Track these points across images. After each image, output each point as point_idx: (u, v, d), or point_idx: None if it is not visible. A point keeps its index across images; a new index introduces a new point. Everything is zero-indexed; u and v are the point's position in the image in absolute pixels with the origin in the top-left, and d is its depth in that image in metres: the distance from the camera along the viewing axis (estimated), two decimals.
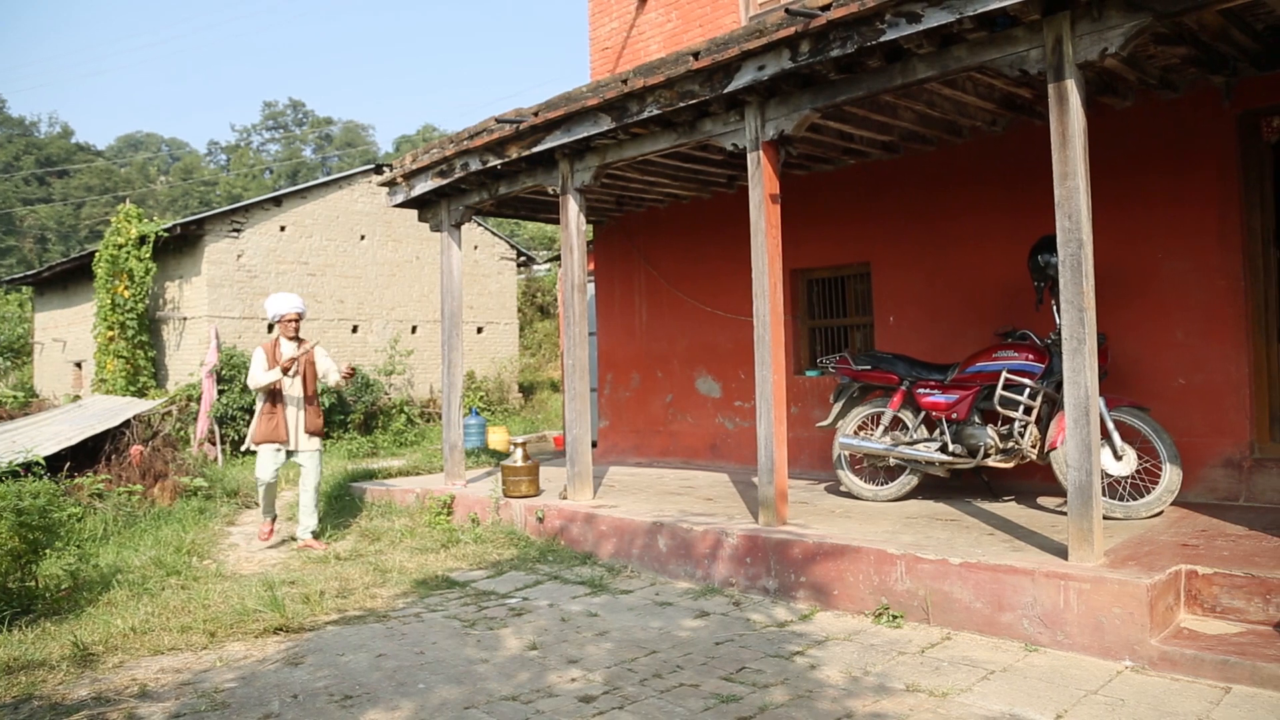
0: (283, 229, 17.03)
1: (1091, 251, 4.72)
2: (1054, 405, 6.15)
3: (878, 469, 7.06)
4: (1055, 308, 5.95)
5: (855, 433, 7.11)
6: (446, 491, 8.35)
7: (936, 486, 7.11)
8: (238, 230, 16.35)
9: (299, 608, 5.50)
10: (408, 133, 70.26)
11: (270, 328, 16.36)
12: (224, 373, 14.62)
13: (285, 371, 7.43)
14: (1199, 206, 6.51)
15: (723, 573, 5.90)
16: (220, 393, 14.43)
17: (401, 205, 9.09)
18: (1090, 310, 4.71)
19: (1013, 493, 6.95)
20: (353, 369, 7.80)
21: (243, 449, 7.61)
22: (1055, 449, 5.94)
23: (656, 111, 6.36)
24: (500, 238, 21.22)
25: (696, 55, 5.97)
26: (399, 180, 8.86)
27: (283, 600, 5.49)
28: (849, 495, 7.14)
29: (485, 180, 8.26)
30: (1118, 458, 5.84)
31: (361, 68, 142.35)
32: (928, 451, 6.62)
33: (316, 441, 7.69)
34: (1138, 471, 5.92)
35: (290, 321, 7.66)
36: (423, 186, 8.61)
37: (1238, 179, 6.38)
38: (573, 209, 7.45)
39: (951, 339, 7.65)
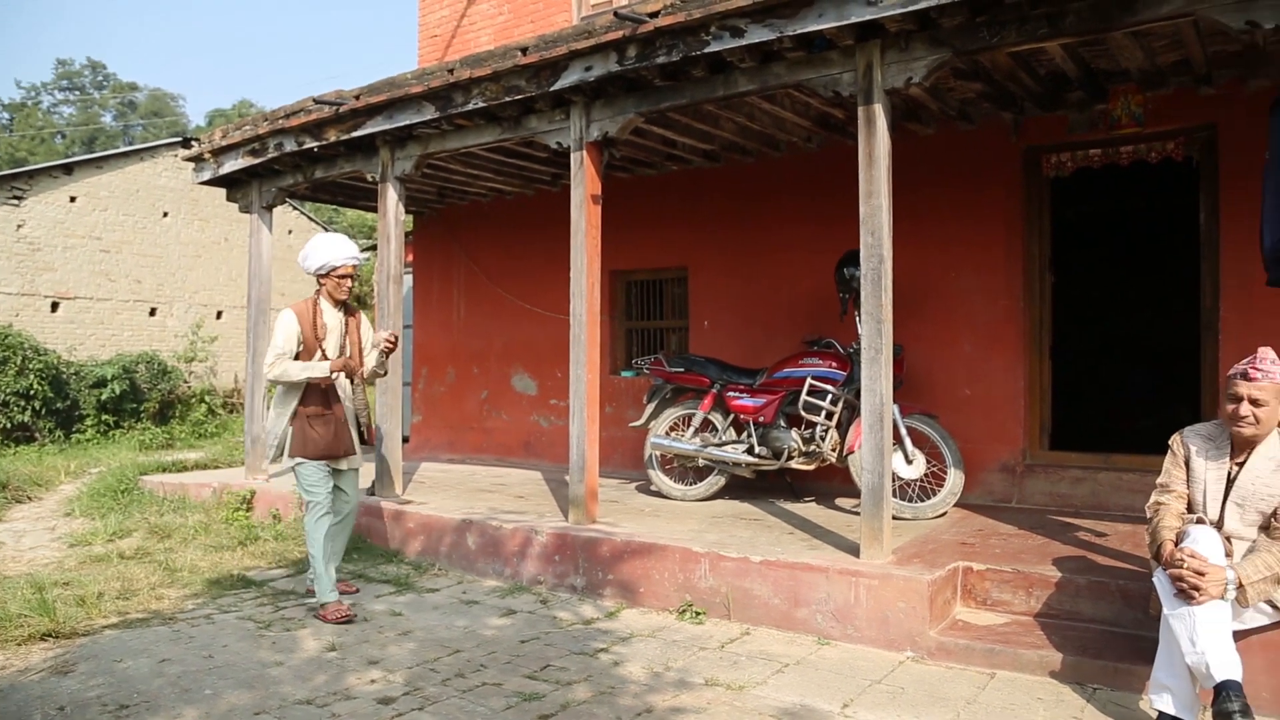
0: (73, 200, 15.74)
1: (891, 267, 5.02)
2: (854, 411, 6.48)
3: (687, 469, 7.24)
4: (857, 318, 6.28)
5: (667, 433, 7.26)
6: (247, 486, 7.94)
7: (743, 487, 7.35)
8: (19, 197, 14.97)
9: (73, 611, 5.09)
10: (222, 106, 66.09)
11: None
12: None
13: (346, 373, 5.37)
14: (988, 232, 7.03)
15: (531, 571, 5.89)
16: None
17: (208, 183, 8.59)
18: (888, 322, 5.00)
19: (814, 494, 7.29)
20: (396, 339, 5.64)
21: (272, 458, 5.48)
22: (853, 452, 6.27)
23: (482, 104, 6.28)
24: (317, 223, 20.39)
25: (525, 51, 5.93)
26: (207, 156, 8.36)
27: (53, 603, 5.06)
28: (659, 494, 7.29)
29: (301, 162, 7.92)
30: (909, 462, 6.23)
31: (173, 32, 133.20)
32: (735, 453, 6.84)
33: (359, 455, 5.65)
34: (926, 475, 6.34)
35: (344, 277, 5.38)
36: (232, 164, 8.16)
37: (1021, 209, 6.94)
38: (392, 198, 7.25)
39: (763, 344, 7.93)
